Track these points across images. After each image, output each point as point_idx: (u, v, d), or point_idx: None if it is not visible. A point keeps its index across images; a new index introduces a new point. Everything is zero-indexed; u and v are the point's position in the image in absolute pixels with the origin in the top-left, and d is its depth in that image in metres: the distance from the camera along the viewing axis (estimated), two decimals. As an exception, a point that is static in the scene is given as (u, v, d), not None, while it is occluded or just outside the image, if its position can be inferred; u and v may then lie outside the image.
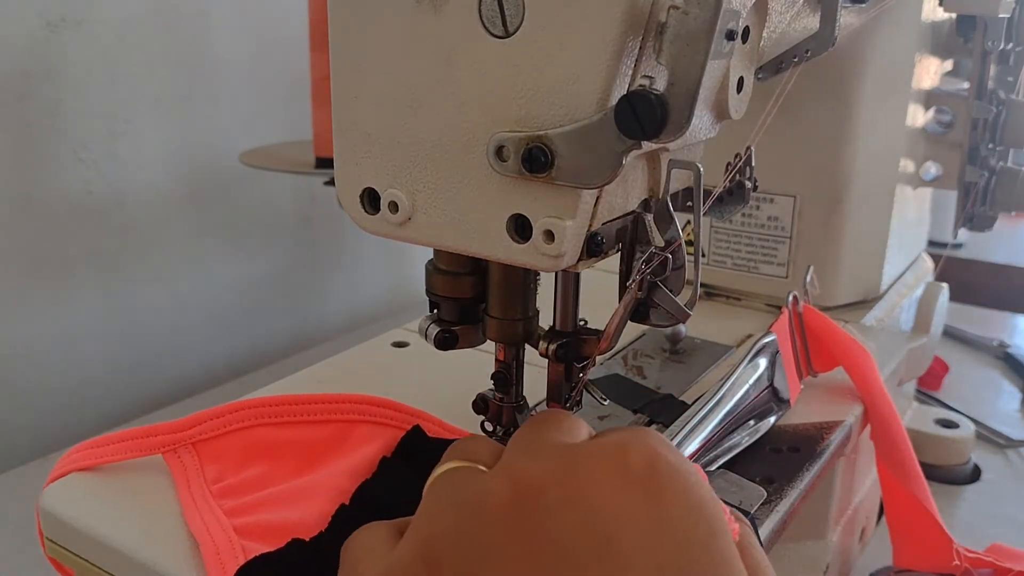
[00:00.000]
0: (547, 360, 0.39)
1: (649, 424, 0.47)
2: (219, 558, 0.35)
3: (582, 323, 0.39)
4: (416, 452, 0.41)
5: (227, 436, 0.43)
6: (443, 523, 0.27)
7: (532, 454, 0.28)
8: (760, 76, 0.44)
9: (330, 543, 0.36)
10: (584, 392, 0.39)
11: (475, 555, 0.26)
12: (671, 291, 0.34)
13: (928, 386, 0.84)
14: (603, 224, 0.33)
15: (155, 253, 0.90)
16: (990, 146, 0.61)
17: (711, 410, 0.43)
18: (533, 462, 0.27)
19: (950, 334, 0.97)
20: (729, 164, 0.41)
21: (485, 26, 0.30)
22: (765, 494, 0.39)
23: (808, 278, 0.53)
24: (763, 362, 0.47)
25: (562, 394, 0.39)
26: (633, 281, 0.33)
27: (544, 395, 0.40)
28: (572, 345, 0.38)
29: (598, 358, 0.39)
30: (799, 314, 0.51)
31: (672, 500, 0.25)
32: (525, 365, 0.41)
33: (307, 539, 0.36)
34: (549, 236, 0.31)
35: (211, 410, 0.43)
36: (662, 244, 0.34)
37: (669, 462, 0.26)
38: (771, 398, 0.47)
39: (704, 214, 0.36)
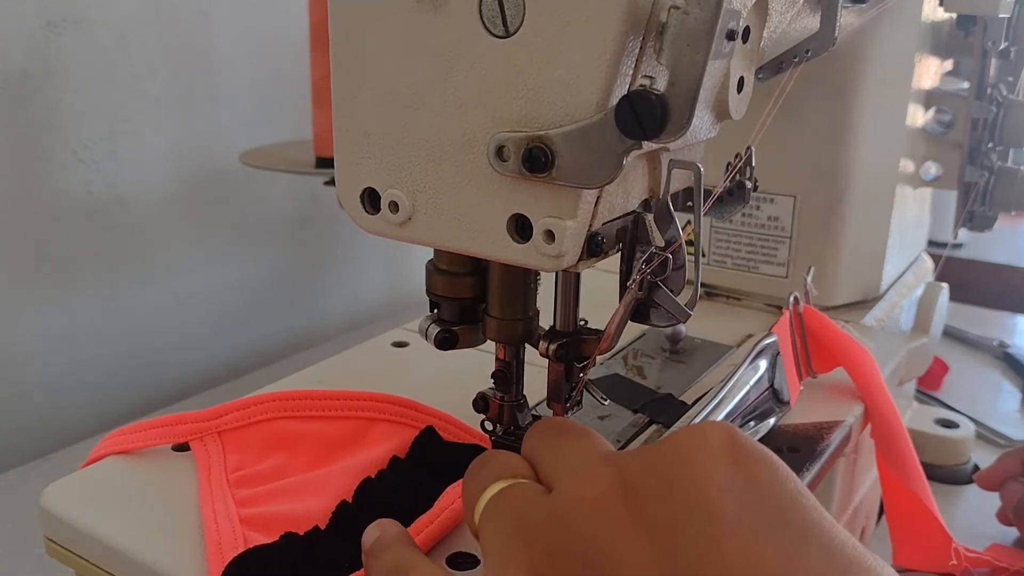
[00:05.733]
0: (547, 360, 0.39)
1: (649, 424, 0.47)
2: (220, 547, 0.35)
3: (582, 323, 0.39)
4: (427, 453, 0.41)
5: (251, 427, 0.44)
6: (544, 541, 0.26)
7: (606, 460, 0.28)
8: (760, 76, 0.44)
9: (324, 538, 0.36)
10: (584, 392, 0.39)
11: (594, 561, 0.25)
12: (671, 291, 0.34)
13: (928, 386, 0.84)
14: (603, 224, 0.33)
15: (155, 253, 0.90)
16: (990, 146, 0.61)
17: (711, 411, 0.43)
18: (612, 466, 0.27)
19: (950, 334, 0.97)
20: (729, 164, 0.41)
21: (485, 26, 0.30)
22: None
23: (809, 279, 0.53)
24: (764, 363, 0.47)
25: (562, 394, 0.39)
26: (633, 281, 0.33)
27: (544, 395, 0.40)
28: (572, 345, 0.38)
29: (598, 358, 0.39)
30: (800, 315, 0.51)
31: (756, 465, 0.26)
32: (525, 365, 0.41)
33: (302, 533, 0.36)
34: (549, 236, 0.31)
35: (237, 401, 0.45)
36: (662, 244, 0.34)
37: (743, 436, 0.27)
38: (771, 399, 0.47)
39: (704, 214, 0.36)
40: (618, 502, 0.26)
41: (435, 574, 0.30)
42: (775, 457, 0.27)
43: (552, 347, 0.38)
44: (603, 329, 0.36)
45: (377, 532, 0.33)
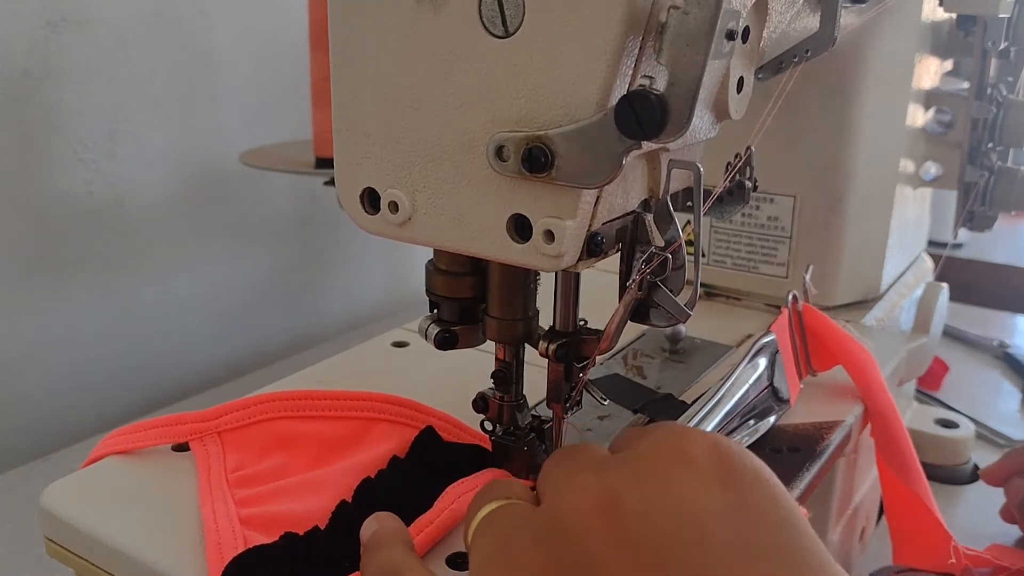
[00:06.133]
0: (547, 360, 0.39)
1: (648, 424, 0.47)
2: (219, 547, 0.35)
3: (582, 323, 0.39)
4: (427, 453, 0.41)
5: (251, 427, 0.44)
6: (526, 558, 0.26)
7: (591, 470, 0.28)
8: (760, 76, 0.44)
9: (323, 538, 0.36)
10: (584, 392, 0.39)
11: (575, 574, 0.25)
12: (671, 291, 0.34)
13: (928, 386, 0.84)
14: (603, 224, 0.33)
15: (155, 253, 0.90)
16: (990, 146, 0.61)
17: (711, 410, 0.43)
18: (595, 477, 0.27)
19: (950, 334, 0.97)
20: (729, 164, 0.41)
21: (485, 26, 0.30)
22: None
23: (807, 277, 0.54)
24: (763, 362, 0.47)
25: (562, 394, 0.39)
26: (633, 281, 0.33)
27: (544, 395, 0.40)
28: (572, 345, 0.38)
29: (598, 358, 0.39)
30: (799, 313, 0.51)
31: (747, 485, 0.26)
32: (525, 365, 0.41)
33: (302, 533, 0.36)
34: (549, 236, 0.31)
35: (237, 401, 0.45)
36: (662, 244, 0.34)
37: (731, 449, 0.27)
38: (771, 398, 0.47)
39: (704, 214, 0.36)
40: (596, 513, 0.25)
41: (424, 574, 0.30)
42: (766, 472, 0.26)
43: (552, 347, 0.38)
44: (603, 329, 0.36)
45: (375, 526, 0.33)
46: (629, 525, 0.25)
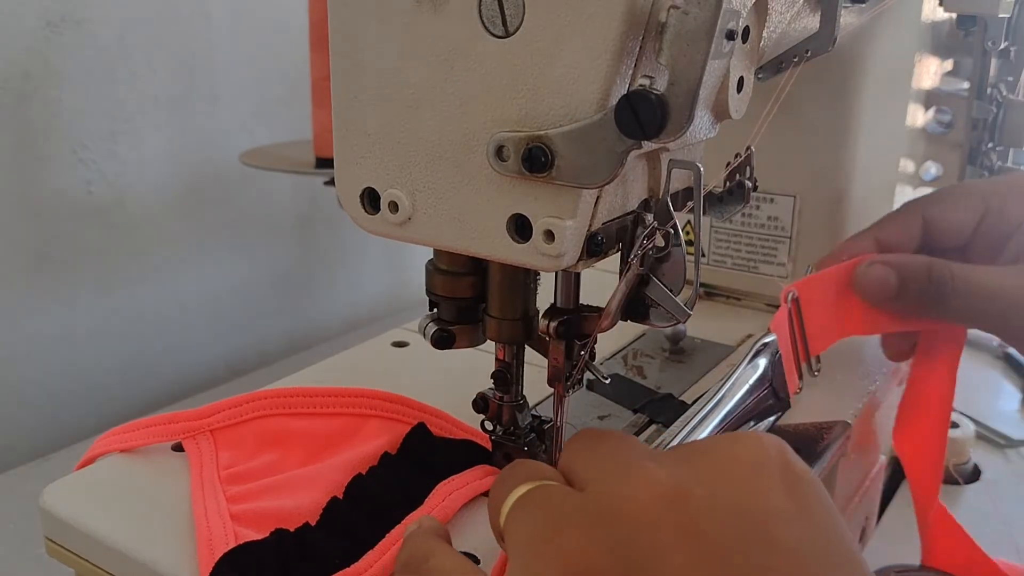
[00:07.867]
0: (547, 342, 0.38)
1: (649, 424, 0.47)
2: (210, 544, 0.35)
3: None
4: (418, 450, 0.41)
5: (243, 425, 0.44)
6: (579, 541, 0.25)
7: (651, 459, 0.27)
8: (760, 76, 0.44)
9: (314, 534, 0.36)
10: (585, 374, 0.38)
11: (633, 562, 0.24)
12: (671, 291, 0.34)
13: (928, 386, 0.84)
14: (603, 224, 0.32)
15: (155, 253, 0.90)
16: (990, 146, 0.61)
17: (711, 410, 0.43)
18: (659, 467, 0.27)
19: (950, 334, 0.97)
20: (729, 164, 0.41)
21: (485, 26, 0.30)
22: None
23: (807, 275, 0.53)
24: (763, 362, 0.47)
25: (563, 373, 0.38)
26: (635, 256, 0.33)
27: (543, 395, 0.40)
28: (573, 322, 0.37)
29: (598, 360, 0.39)
30: (799, 314, 0.51)
31: (808, 491, 0.26)
32: (525, 365, 0.41)
33: (292, 529, 0.36)
34: (549, 236, 0.31)
35: (229, 399, 0.45)
36: (662, 245, 0.34)
37: (794, 456, 0.27)
38: (771, 398, 0.47)
39: (704, 214, 0.35)
40: (662, 504, 0.25)
41: (454, 558, 0.30)
42: (819, 481, 0.26)
43: (553, 324, 0.37)
44: (604, 307, 0.35)
45: (415, 526, 0.33)
46: (694, 519, 0.25)
